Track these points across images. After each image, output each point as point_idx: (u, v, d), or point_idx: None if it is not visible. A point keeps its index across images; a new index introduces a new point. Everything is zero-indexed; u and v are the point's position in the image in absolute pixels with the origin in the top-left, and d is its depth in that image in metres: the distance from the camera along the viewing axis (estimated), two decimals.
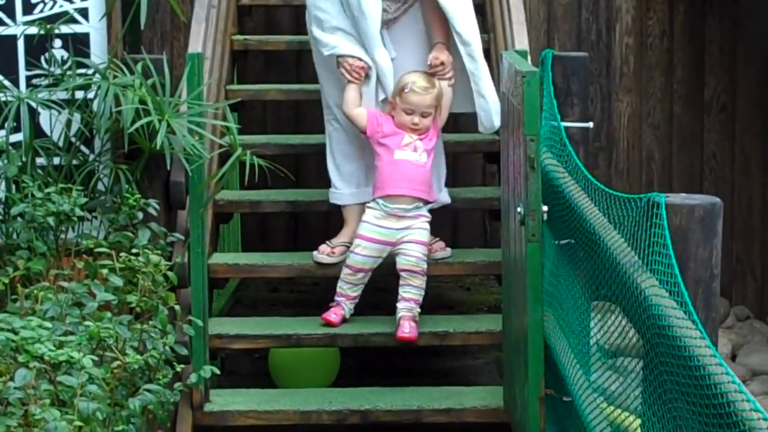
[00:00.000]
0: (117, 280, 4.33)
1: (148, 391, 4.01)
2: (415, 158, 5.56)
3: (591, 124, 5.56)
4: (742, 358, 7.05)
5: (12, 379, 3.24)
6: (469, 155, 6.72)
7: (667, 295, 3.33)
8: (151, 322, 4.43)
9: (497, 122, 5.59)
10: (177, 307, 4.79)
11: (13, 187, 5.09)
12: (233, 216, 6.53)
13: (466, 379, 6.02)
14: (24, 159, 5.12)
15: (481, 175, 6.93)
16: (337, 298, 5.63)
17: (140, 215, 5.02)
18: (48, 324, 3.65)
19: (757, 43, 7.70)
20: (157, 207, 5.12)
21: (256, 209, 6.33)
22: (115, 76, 5.11)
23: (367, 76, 5.68)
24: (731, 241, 7.57)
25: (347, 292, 5.62)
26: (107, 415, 3.62)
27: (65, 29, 5.37)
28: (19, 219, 4.84)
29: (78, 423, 3.21)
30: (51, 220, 4.72)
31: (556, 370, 4.66)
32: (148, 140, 5.10)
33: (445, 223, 6.82)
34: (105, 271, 4.39)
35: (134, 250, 4.63)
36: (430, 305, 5.73)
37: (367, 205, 5.65)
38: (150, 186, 5.30)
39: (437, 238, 5.92)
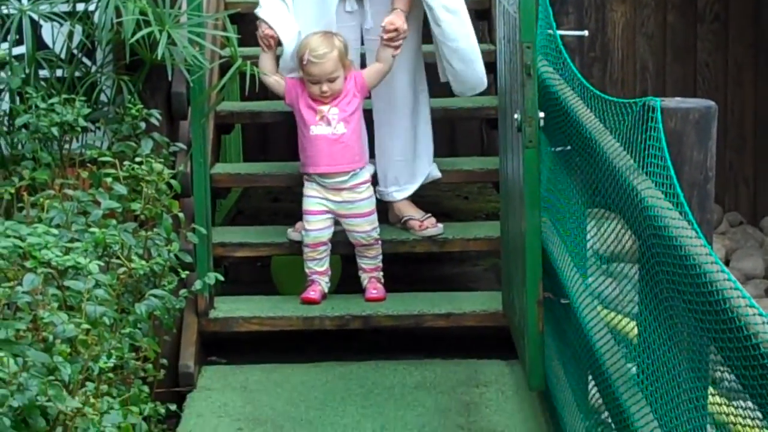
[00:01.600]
0: (121, 189, 4.33)
1: (154, 296, 4.01)
2: (330, 132, 5.38)
3: (586, 33, 5.58)
4: (735, 263, 7.08)
5: (20, 284, 3.24)
6: None
7: (662, 197, 3.33)
8: (155, 230, 4.43)
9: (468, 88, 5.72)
10: (181, 215, 4.79)
11: (17, 99, 5.07)
12: (234, 127, 6.52)
13: (465, 285, 6.03)
14: (27, 71, 5.10)
15: None
16: (310, 277, 5.53)
17: (143, 125, 5.02)
18: (54, 231, 3.65)
19: None
20: (159, 117, 5.11)
21: (257, 120, 6.34)
22: None
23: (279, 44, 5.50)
24: (724, 149, 7.56)
25: (316, 269, 5.51)
26: (114, 319, 3.62)
27: None
28: (23, 130, 4.84)
29: (86, 326, 3.21)
30: (55, 130, 4.72)
31: (553, 274, 4.67)
32: (149, 51, 5.09)
33: (443, 133, 6.80)
34: (109, 179, 4.40)
35: (137, 159, 4.62)
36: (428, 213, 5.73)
37: (305, 178, 5.51)
38: (152, 97, 5.29)
39: (428, 214, 5.77)
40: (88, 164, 4.79)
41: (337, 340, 5.53)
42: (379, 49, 5.41)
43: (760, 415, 2.58)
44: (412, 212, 5.76)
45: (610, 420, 4.04)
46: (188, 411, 5.15)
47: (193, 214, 5.29)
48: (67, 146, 4.94)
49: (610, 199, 3.80)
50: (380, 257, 5.59)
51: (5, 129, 5.05)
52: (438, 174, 5.87)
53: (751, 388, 2.60)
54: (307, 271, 5.51)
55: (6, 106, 5.13)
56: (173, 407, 4.43)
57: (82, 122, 4.79)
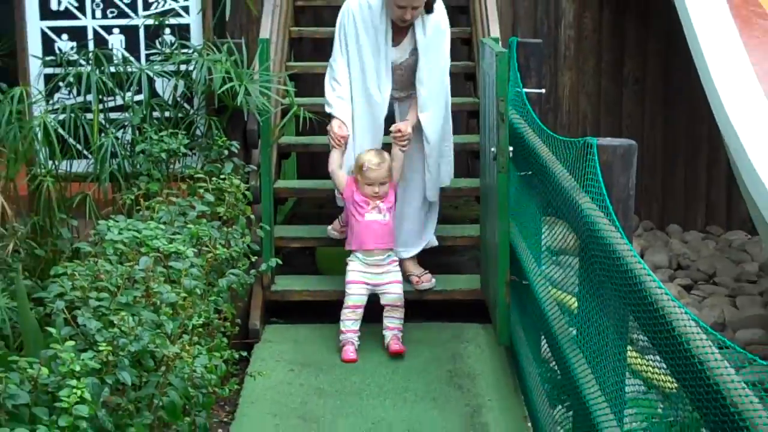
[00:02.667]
0: (210, 197, 4.33)
1: (232, 274, 4.02)
2: (380, 218, 5.09)
3: (543, 90, 5.53)
4: (648, 257, 7.06)
5: (137, 264, 3.25)
6: (455, 114, 6.63)
7: (597, 209, 3.33)
8: (234, 227, 4.43)
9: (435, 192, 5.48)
10: (252, 217, 4.80)
11: (137, 132, 5.09)
12: (291, 154, 6.51)
13: (455, 270, 6.00)
14: (144, 113, 5.12)
15: (465, 127, 6.87)
16: (344, 337, 5.08)
17: (226, 152, 5.03)
18: (162, 227, 3.65)
19: (662, 35, 7.65)
20: (238, 147, 5.13)
21: (308, 149, 6.33)
22: (208, 54, 5.10)
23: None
24: (641, 175, 7.55)
25: (351, 328, 5.08)
26: (203, 290, 3.62)
27: (172, 21, 5.34)
28: (141, 154, 4.85)
29: (183, 294, 3.21)
30: (163, 155, 4.74)
31: (517, 263, 4.66)
32: (231, 99, 5.09)
33: None
34: (201, 190, 4.39)
35: (222, 177, 4.62)
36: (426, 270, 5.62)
37: (349, 258, 5.16)
38: (232, 132, 5.28)
39: (426, 271, 5.51)
40: (187, 179, 4.79)
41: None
42: (392, 150, 5.19)
43: (664, 365, 2.58)
44: (413, 270, 5.48)
45: (556, 368, 4.03)
46: (255, 357, 5.15)
47: (260, 216, 5.30)
48: (171, 166, 4.95)
49: (560, 210, 3.79)
50: (403, 317, 5.17)
51: (128, 153, 5.05)
52: (435, 242, 5.61)
53: (658, 346, 2.59)
54: (342, 329, 5.10)
55: (129, 137, 5.15)
56: (244, 354, 4.43)
57: (182, 149, 4.80)
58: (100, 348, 2.59)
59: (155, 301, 3.16)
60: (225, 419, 4.72)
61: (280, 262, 4.81)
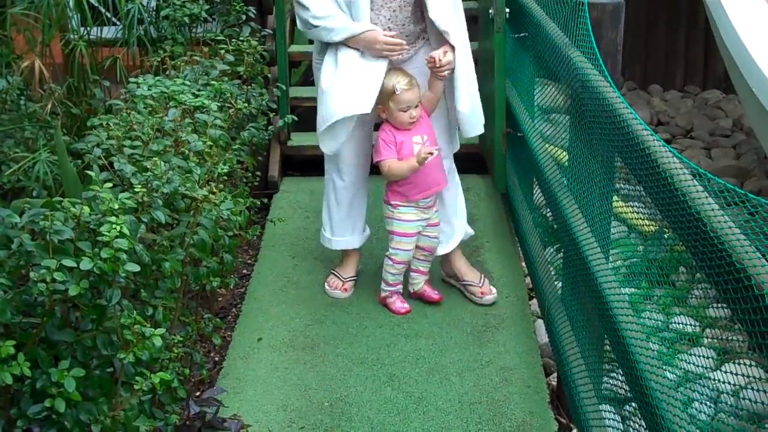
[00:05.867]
0: (230, 57, 4.25)
1: (252, 127, 3.97)
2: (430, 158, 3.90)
3: None
4: None
5: (166, 116, 3.21)
6: None
7: (587, 61, 3.27)
8: (253, 85, 4.37)
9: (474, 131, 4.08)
10: (269, 75, 4.73)
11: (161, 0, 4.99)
12: None
13: None
14: None
15: None
16: (391, 289, 4.14)
17: (243, 17, 4.93)
18: (187, 83, 3.60)
19: None
20: (255, 12, 5.01)
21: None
22: None
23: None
24: (625, 39, 7.44)
25: (398, 281, 4.15)
26: (226, 142, 3.59)
27: None
28: (165, 20, 4.76)
29: (209, 143, 3.18)
30: (186, 19, 4.64)
31: (512, 117, 4.62)
32: None
33: None
34: (222, 51, 4.31)
35: (241, 39, 4.54)
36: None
37: (401, 203, 4.02)
38: None
39: (483, 276, 4.26)
40: (208, 42, 4.71)
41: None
42: (430, 80, 3.94)
43: (645, 209, 2.58)
44: (470, 276, 4.24)
45: (549, 214, 4.04)
46: (274, 205, 5.16)
47: (276, 77, 5.23)
48: (194, 31, 4.86)
49: (552, 65, 3.73)
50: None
51: (153, 19, 4.95)
52: (472, 232, 4.40)
53: (643, 183, 2.58)
54: (390, 282, 4.13)
55: (154, 4, 5.04)
56: (265, 200, 4.42)
57: (203, 14, 4.70)
58: (136, 190, 2.58)
59: (183, 150, 3.13)
60: (248, 261, 4.76)
61: (295, 118, 4.76)
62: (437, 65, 3.81)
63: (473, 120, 4.03)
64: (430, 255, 4.18)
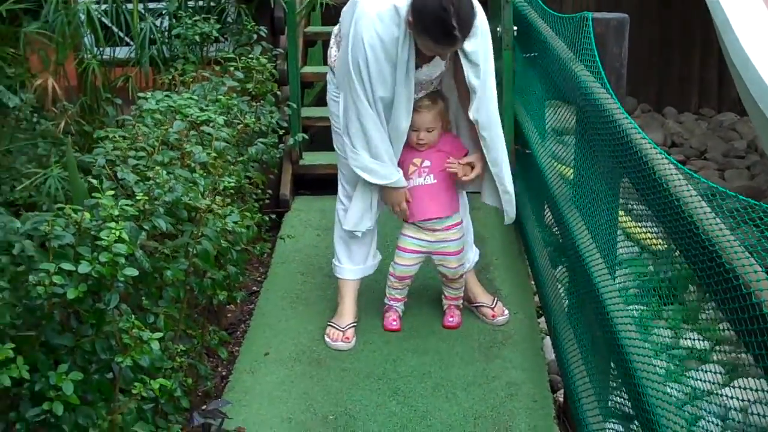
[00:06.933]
0: (239, 74, 4.28)
1: (261, 143, 3.98)
2: (420, 182, 3.89)
3: None
4: (646, 134, 7.01)
5: (172, 127, 3.24)
6: None
7: (592, 76, 3.28)
8: (262, 102, 4.40)
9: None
10: (279, 93, 4.74)
11: (173, 19, 5.03)
12: (317, 42, 6.44)
13: None
14: (179, 1, 5.06)
15: None
16: (388, 303, 4.13)
17: (255, 37, 4.97)
18: (195, 96, 3.63)
19: None
20: (266, 31, 5.05)
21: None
22: None
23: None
24: (640, 62, 7.45)
25: (397, 296, 4.12)
26: (234, 156, 3.61)
27: None
28: (177, 38, 4.81)
29: (213, 155, 3.20)
30: (197, 37, 4.68)
31: (522, 136, 4.63)
32: None
33: None
34: (232, 68, 4.34)
35: (251, 56, 4.57)
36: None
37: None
38: (261, 19, 5.21)
39: (496, 297, 4.23)
40: (220, 62, 4.75)
41: None
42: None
43: (655, 228, 2.55)
44: (482, 297, 4.20)
45: (557, 232, 4.03)
46: (285, 223, 5.18)
47: (288, 96, 5.27)
48: (205, 50, 4.91)
49: (558, 81, 3.74)
50: (463, 289, 4.15)
51: (166, 39, 5.01)
52: (477, 258, 4.30)
53: (647, 197, 2.55)
54: (387, 295, 4.13)
55: (166, 24, 5.10)
56: (274, 216, 4.42)
57: (215, 33, 4.74)
58: (138, 197, 2.60)
59: (189, 162, 3.16)
60: (258, 278, 4.78)
61: (305, 137, 4.79)
62: (459, 174, 3.84)
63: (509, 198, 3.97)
64: (451, 282, 4.09)
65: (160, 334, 2.37)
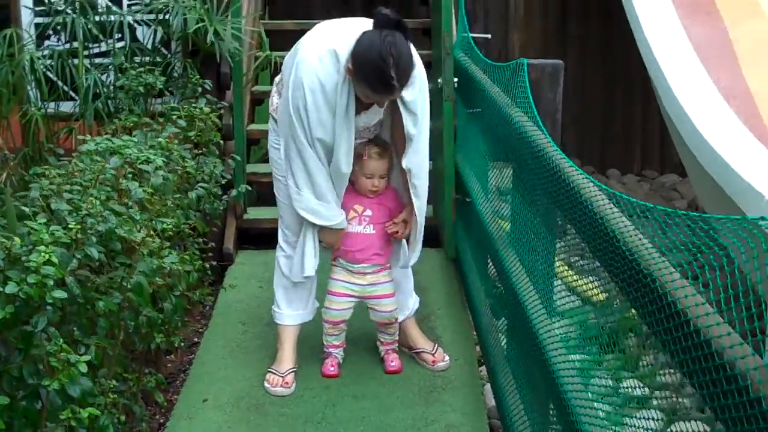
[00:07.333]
0: (182, 122, 4.31)
1: (201, 187, 3.98)
2: (359, 230, 3.92)
3: (489, 36, 5.55)
4: None
5: (108, 163, 3.24)
6: None
7: (527, 118, 3.34)
8: (204, 151, 4.42)
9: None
10: (221, 142, 4.76)
11: (119, 73, 5.08)
12: (264, 101, 6.50)
13: None
14: (125, 55, 5.10)
15: None
16: (327, 350, 4.10)
17: (200, 90, 5.01)
18: (134, 139, 3.63)
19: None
20: (211, 85, 5.09)
21: None
22: (183, 2, 5.09)
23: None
24: (585, 127, 7.59)
25: (334, 343, 4.08)
26: (173, 198, 3.60)
27: None
28: (121, 90, 4.84)
29: (150, 191, 3.21)
30: (141, 88, 4.71)
31: (463, 186, 4.69)
32: (206, 44, 5.08)
33: None
34: (174, 117, 4.37)
35: (194, 106, 4.61)
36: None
37: (332, 263, 4.03)
38: (206, 73, 5.26)
39: (436, 344, 4.21)
40: (164, 114, 4.79)
41: None
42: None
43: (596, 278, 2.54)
44: (422, 343, 4.19)
45: (498, 282, 4.04)
46: (228, 276, 5.17)
47: (233, 150, 5.30)
48: (150, 103, 4.94)
49: (491, 121, 3.80)
50: (398, 333, 4.13)
51: (111, 94, 5.04)
52: (417, 305, 4.28)
53: (590, 244, 2.54)
54: (325, 343, 4.10)
55: (111, 79, 5.14)
56: (216, 264, 4.42)
57: (159, 84, 4.78)
58: (70, 226, 2.59)
59: (126, 201, 3.16)
60: (200, 330, 4.75)
61: (249, 188, 4.81)
62: (398, 234, 3.93)
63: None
64: (385, 327, 4.09)
65: (87, 357, 2.35)
